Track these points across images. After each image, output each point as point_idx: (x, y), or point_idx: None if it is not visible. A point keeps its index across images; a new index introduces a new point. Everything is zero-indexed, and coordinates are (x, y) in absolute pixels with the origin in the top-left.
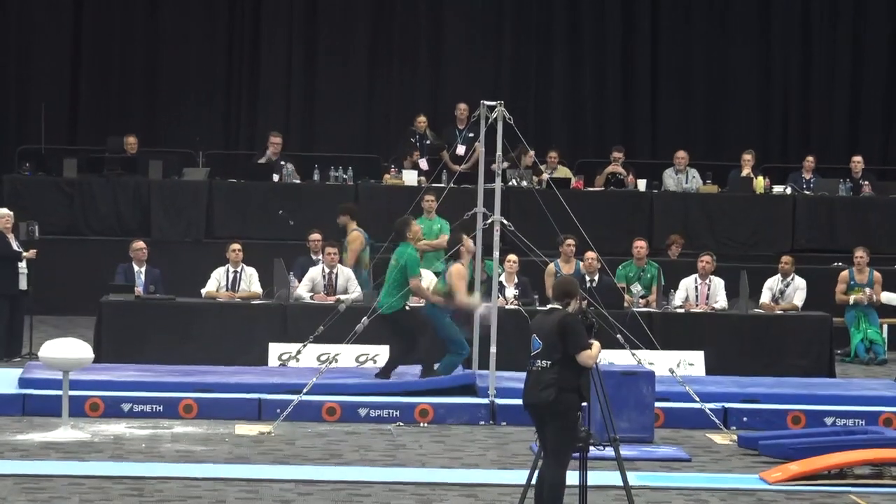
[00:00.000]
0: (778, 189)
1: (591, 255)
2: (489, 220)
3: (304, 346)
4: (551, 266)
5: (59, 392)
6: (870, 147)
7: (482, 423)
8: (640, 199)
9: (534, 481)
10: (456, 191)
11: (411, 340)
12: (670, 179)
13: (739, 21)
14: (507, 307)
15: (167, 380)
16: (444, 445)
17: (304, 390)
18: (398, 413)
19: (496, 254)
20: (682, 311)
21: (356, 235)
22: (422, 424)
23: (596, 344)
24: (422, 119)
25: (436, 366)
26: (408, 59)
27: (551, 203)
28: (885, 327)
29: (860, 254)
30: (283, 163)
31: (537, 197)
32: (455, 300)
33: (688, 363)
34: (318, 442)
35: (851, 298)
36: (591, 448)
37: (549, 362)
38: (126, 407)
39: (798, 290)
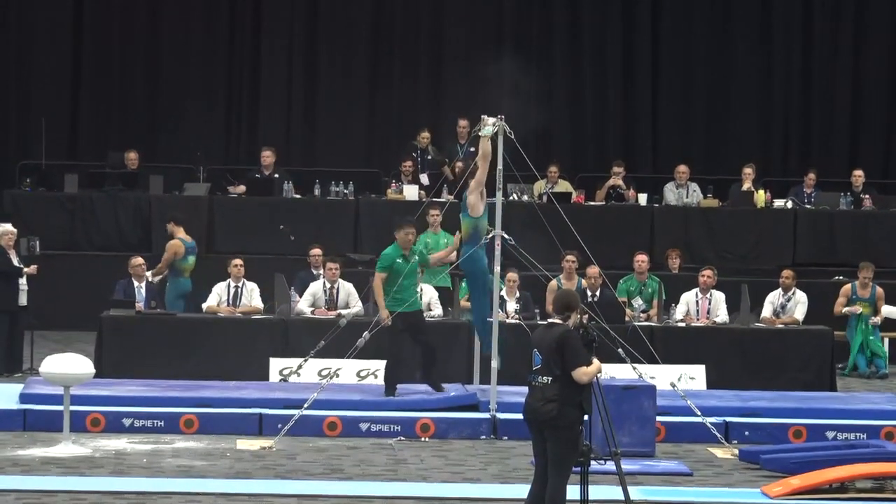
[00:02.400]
0: (779, 203)
1: (593, 270)
2: (490, 235)
3: (305, 360)
4: (553, 282)
5: (60, 407)
6: (871, 161)
7: (483, 437)
8: (641, 214)
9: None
10: (456, 206)
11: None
12: (671, 193)
13: (740, 35)
14: (508, 321)
15: (168, 395)
16: (446, 460)
17: (306, 405)
18: (399, 428)
19: (497, 268)
20: (683, 325)
21: (173, 243)
22: (423, 439)
23: (596, 362)
24: (425, 135)
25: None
26: (408, 75)
27: (552, 217)
28: (886, 341)
29: (867, 273)
30: (277, 175)
31: (538, 211)
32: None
33: (689, 377)
34: (319, 457)
35: (845, 309)
36: (593, 462)
37: (550, 378)
38: (127, 422)
39: (799, 304)
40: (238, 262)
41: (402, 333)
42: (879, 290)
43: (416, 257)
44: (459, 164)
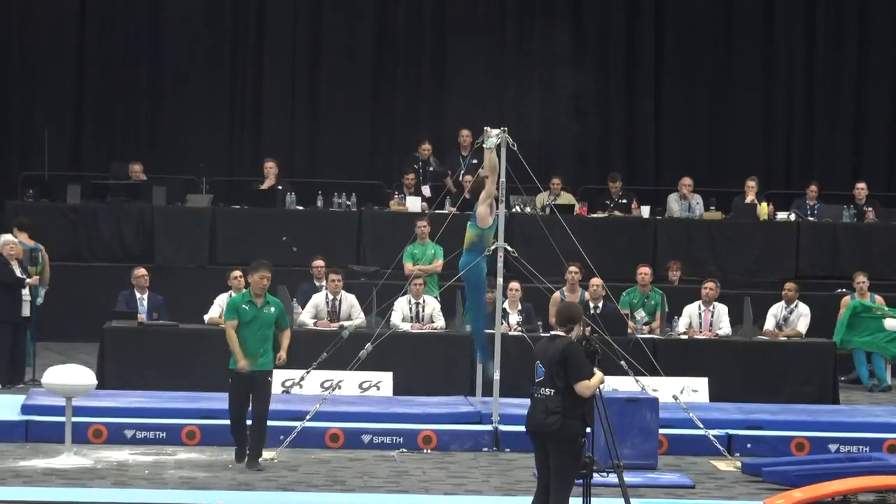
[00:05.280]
0: (782, 215)
1: (596, 281)
2: (493, 247)
3: (308, 372)
4: (556, 295)
5: (63, 418)
6: (873, 173)
7: (485, 449)
8: (644, 226)
9: None
10: (459, 217)
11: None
12: (674, 204)
13: (743, 47)
14: (510, 334)
15: (170, 406)
16: (448, 472)
17: (308, 417)
18: (401, 439)
19: (500, 280)
20: (685, 337)
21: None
22: (425, 451)
23: (598, 374)
24: (426, 146)
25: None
26: (411, 86)
27: (555, 229)
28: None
29: (861, 279)
30: (280, 187)
31: (541, 223)
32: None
33: (691, 390)
34: (321, 468)
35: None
36: (595, 474)
37: (552, 390)
38: (129, 433)
39: (802, 317)
40: (237, 273)
41: (239, 392)
42: (879, 298)
43: (273, 309)
44: (468, 178)
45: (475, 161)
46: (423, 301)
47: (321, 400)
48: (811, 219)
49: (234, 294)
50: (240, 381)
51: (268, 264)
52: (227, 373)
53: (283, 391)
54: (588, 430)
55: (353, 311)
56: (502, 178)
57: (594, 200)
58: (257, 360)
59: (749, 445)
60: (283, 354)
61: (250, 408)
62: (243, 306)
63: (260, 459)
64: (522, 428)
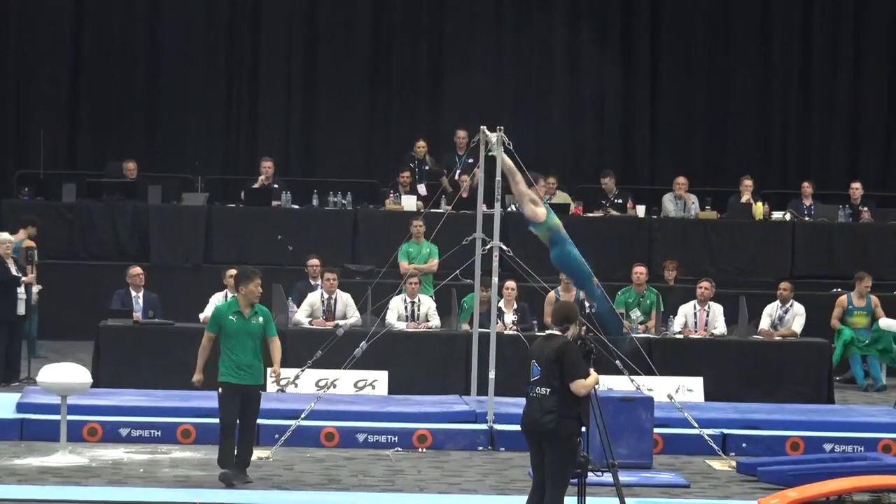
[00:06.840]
0: (777, 215)
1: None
2: (488, 246)
3: (303, 371)
4: (552, 294)
5: (58, 417)
6: (869, 173)
7: (481, 448)
8: (640, 225)
9: None
10: (455, 216)
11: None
12: (670, 204)
13: (740, 47)
14: (505, 333)
15: (165, 405)
16: (443, 471)
17: (303, 415)
18: (396, 438)
19: (495, 279)
20: (680, 337)
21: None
22: (420, 450)
23: (593, 374)
24: (421, 144)
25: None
26: (408, 85)
27: None
28: None
29: (867, 283)
30: (276, 185)
31: None
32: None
33: (687, 389)
34: (316, 467)
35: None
36: (590, 474)
37: (548, 390)
38: (124, 432)
39: (797, 317)
40: (232, 272)
41: (232, 402)
42: (874, 298)
43: (261, 319)
44: (465, 177)
45: (471, 160)
46: (419, 300)
47: (316, 399)
48: (807, 218)
49: (228, 292)
50: (232, 393)
51: (258, 271)
52: (218, 384)
53: (279, 390)
54: (583, 429)
55: (348, 309)
56: (497, 178)
57: (589, 200)
58: (251, 373)
59: (744, 445)
60: (278, 370)
61: (238, 420)
62: (230, 317)
63: (247, 469)
64: (518, 427)
